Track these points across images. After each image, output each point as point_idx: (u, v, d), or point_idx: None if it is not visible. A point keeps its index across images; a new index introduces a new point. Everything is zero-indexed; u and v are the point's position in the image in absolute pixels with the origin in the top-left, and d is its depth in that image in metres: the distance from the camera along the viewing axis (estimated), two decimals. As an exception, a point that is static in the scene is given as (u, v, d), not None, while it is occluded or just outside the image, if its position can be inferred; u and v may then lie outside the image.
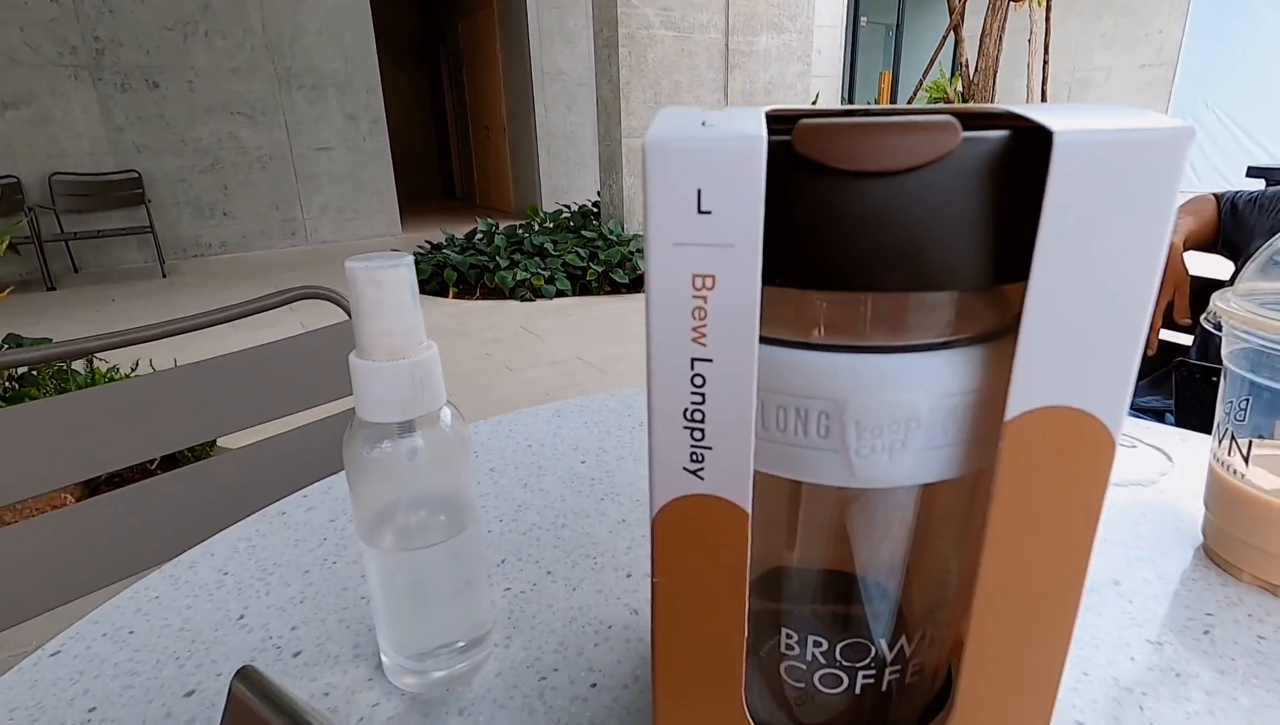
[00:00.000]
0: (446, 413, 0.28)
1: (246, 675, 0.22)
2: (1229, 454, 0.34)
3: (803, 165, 0.14)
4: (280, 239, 5.39)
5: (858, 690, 0.21)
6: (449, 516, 0.29)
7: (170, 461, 1.60)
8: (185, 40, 4.76)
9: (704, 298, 0.15)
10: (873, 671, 0.20)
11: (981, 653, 0.18)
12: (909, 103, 6.67)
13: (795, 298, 0.17)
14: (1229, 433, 0.35)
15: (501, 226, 4.29)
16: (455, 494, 0.29)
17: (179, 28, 4.72)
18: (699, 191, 0.14)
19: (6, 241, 2.23)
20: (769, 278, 0.15)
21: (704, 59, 3.99)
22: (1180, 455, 0.47)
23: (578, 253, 3.79)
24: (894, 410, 0.16)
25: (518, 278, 3.64)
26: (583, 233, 4.02)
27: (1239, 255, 1.16)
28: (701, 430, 0.17)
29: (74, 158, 4.52)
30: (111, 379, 2.03)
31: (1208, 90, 7.09)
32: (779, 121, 0.15)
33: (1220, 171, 6.92)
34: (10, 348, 2.21)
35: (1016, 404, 0.16)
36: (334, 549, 0.39)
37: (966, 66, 5.93)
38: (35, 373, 1.98)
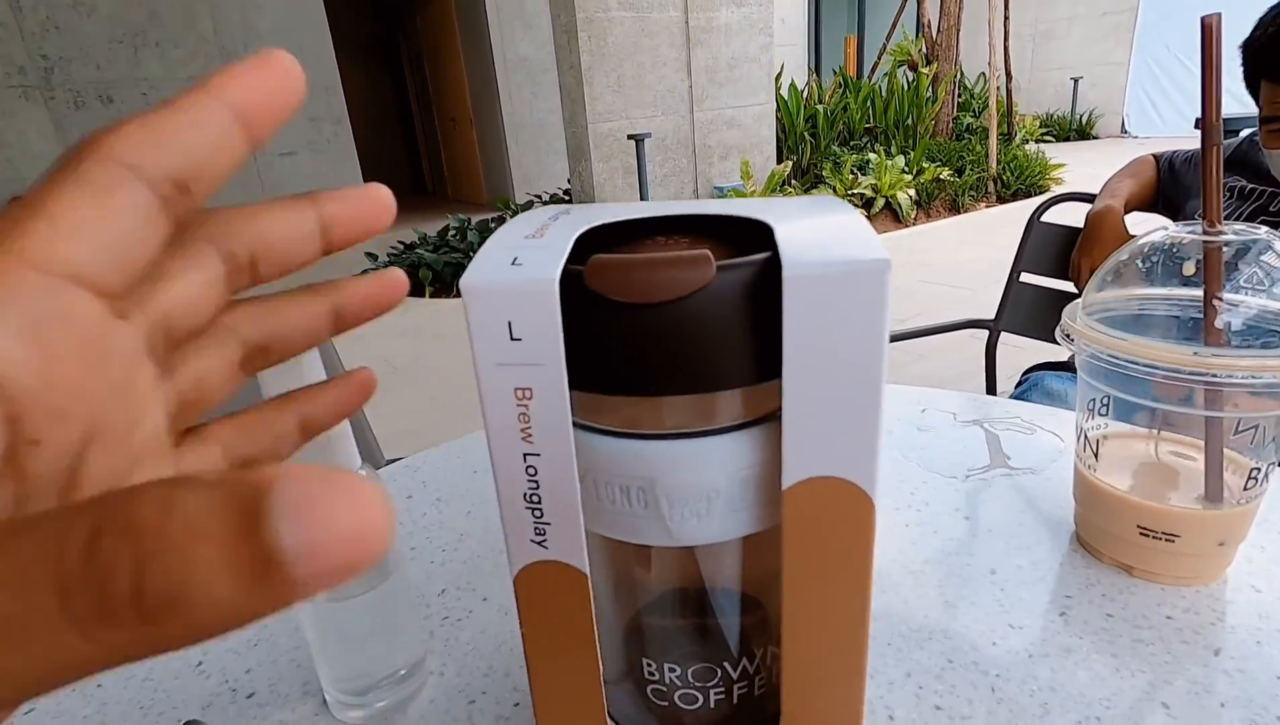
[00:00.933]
0: (361, 475, 0.31)
1: (189, 732, 0.25)
2: (1084, 451, 0.38)
3: (593, 298, 0.18)
4: (252, 247, 5.34)
5: (712, 705, 0.24)
6: (373, 566, 0.32)
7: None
8: (136, 52, 4.67)
9: (525, 406, 0.19)
10: (722, 689, 0.24)
11: (795, 677, 0.22)
12: (873, 67, 6.66)
13: (607, 398, 0.20)
14: (1083, 432, 0.38)
15: (474, 221, 4.28)
16: (378, 546, 0.32)
17: (128, 40, 4.63)
18: (509, 323, 0.18)
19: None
20: (576, 385, 0.18)
21: (665, 38, 3.97)
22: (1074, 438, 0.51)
23: (550, 243, 3.79)
24: (697, 485, 0.20)
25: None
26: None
27: (1178, 213, 1.20)
28: (540, 509, 0.20)
29: (32, 181, 4.44)
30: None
31: (1169, 35, 7.12)
32: (591, 240, 0.19)
33: (1184, 115, 6.98)
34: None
35: (789, 476, 0.19)
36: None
37: (929, 27, 5.92)
38: None
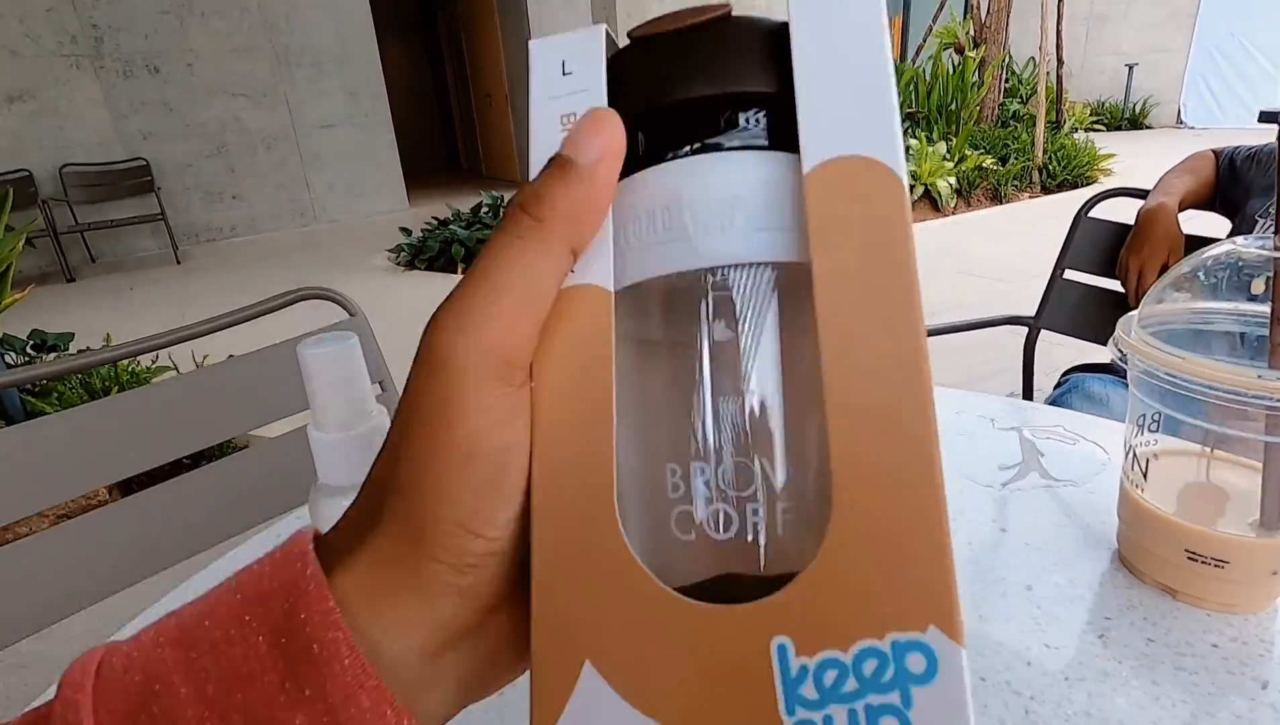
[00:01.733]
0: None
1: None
2: (1132, 469, 0.37)
3: (630, 44, 0.20)
4: (289, 220, 5.43)
5: (749, 532, 0.19)
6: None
7: (198, 457, 1.67)
8: (182, 23, 4.74)
9: (568, 128, 0.20)
10: (759, 507, 0.19)
11: (845, 437, 0.16)
12: (918, 50, 6.48)
13: (638, 139, 0.20)
14: (1132, 449, 0.37)
15: (506, 199, 4.29)
16: (413, 538, 0.32)
17: (175, 10, 4.69)
18: (562, 62, 0.20)
19: (23, 238, 2.29)
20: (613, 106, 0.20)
21: (703, 17, 3.90)
22: (1119, 450, 0.49)
23: (583, 223, 3.78)
24: (719, 192, 0.19)
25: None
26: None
27: (1236, 212, 1.15)
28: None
29: (83, 148, 4.56)
30: (134, 373, 2.11)
31: (1233, 20, 6.79)
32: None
33: (1247, 106, 6.67)
34: (34, 344, 2.29)
35: (810, 161, 0.18)
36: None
37: (978, 9, 5.73)
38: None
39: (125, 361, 2.22)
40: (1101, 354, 1.24)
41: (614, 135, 0.18)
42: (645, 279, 0.20)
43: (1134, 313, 0.37)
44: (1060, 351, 1.39)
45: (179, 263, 4.63)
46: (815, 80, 0.19)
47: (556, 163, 0.18)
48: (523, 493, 0.18)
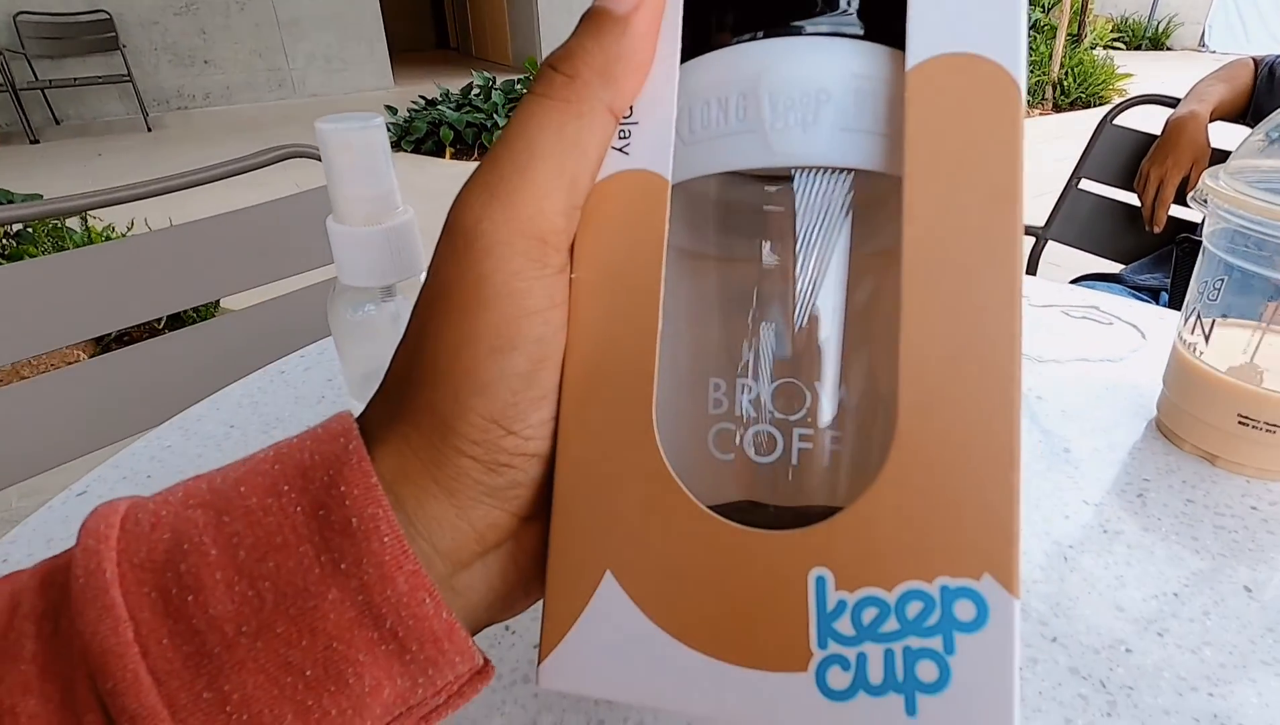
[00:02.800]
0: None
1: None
2: (1192, 333, 0.35)
3: None
4: (266, 91, 5.13)
5: (795, 457, 0.18)
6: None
7: (176, 321, 1.62)
8: None
9: None
10: (809, 430, 0.18)
11: (917, 357, 0.15)
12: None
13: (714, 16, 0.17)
14: (1196, 312, 0.35)
15: (498, 81, 4.06)
16: (439, 356, 0.30)
17: None
18: None
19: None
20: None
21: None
22: (1156, 333, 0.48)
23: (579, 112, 3.61)
24: (804, 83, 0.16)
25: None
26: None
27: (1267, 126, 1.10)
28: (630, 108, 0.17)
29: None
30: (108, 237, 2.02)
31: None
32: None
33: (1274, 35, 6.41)
34: (2, 204, 2.18)
35: (914, 55, 0.15)
36: (331, 407, 0.41)
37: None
38: (31, 231, 1.96)
39: (100, 228, 2.13)
40: (1110, 267, 1.22)
41: None
42: (709, 173, 0.17)
43: (1219, 166, 0.34)
44: (1058, 273, 1.37)
45: (150, 130, 4.39)
46: None
47: (589, 13, 0.16)
48: (559, 392, 0.16)
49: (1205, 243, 0.34)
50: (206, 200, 0.81)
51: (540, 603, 0.17)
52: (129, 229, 2.12)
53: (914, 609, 0.14)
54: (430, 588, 0.14)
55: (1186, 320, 0.36)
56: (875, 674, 0.14)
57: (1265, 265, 0.32)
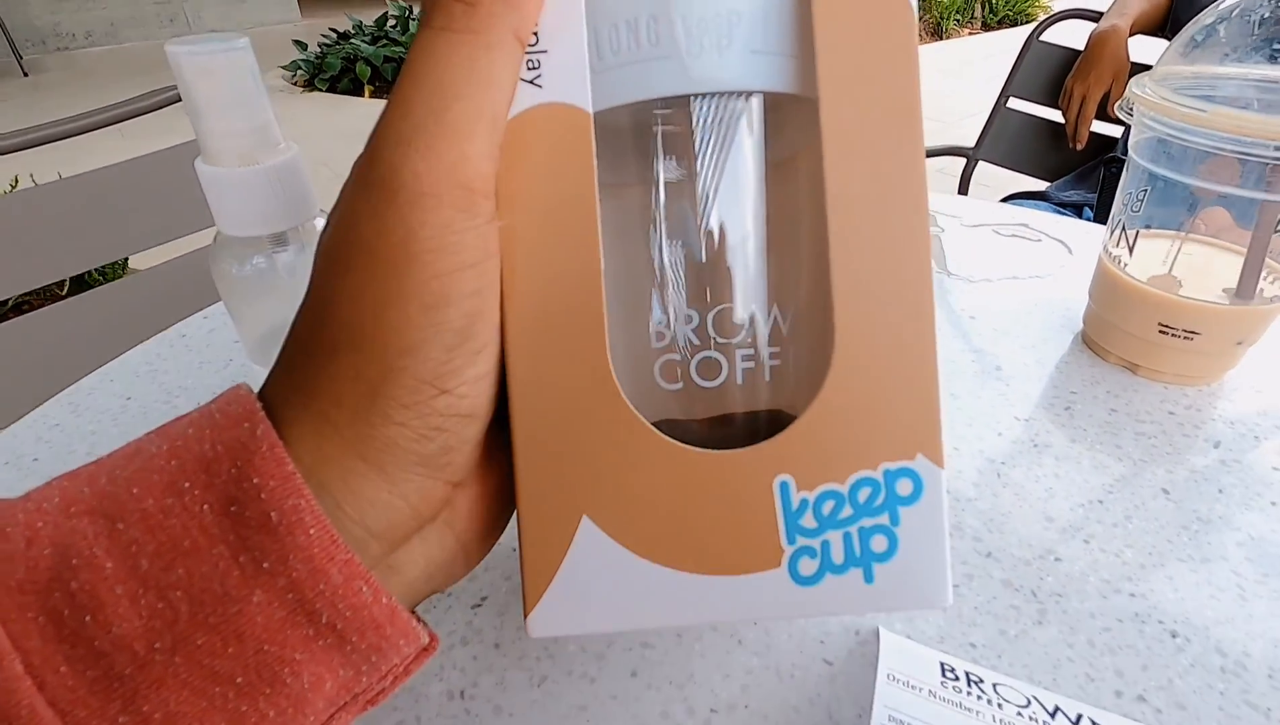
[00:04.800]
0: (322, 223, 0.26)
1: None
2: (1117, 245, 0.36)
3: None
4: (157, 28, 4.68)
5: (739, 379, 0.18)
6: None
7: (79, 285, 1.50)
8: None
9: None
10: (750, 351, 0.18)
11: (845, 262, 0.16)
12: None
13: None
14: (1121, 223, 0.36)
15: (416, 10, 3.80)
16: (345, 309, 0.28)
17: None
18: None
19: None
20: None
21: None
22: (1082, 248, 0.49)
23: (504, 43, 3.43)
24: (715, 3, 0.16)
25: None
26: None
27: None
28: (535, 34, 0.16)
29: None
30: (-12, 198, 1.84)
31: None
32: None
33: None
34: None
35: None
36: (240, 371, 0.38)
37: None
38: (-105, 193, 1.76)
39: (-24, 185, 1.93)
40: (1036, 185, 1.24)
41: None
42: (626, 102, 0.16)
43: (1146, 74, 0.34)
44: (987, 193, 1.39)
45: (25, 75, 3.97)
46: None
47: None
48: (496, 346, 0.15)
49: (1130, 153, 0.34)
50: (98, 151, 0.73)
51: (478, 564, 0.17)
52: (13, 186, 1.93)
53: (864, 494, 0.16)
54: (366, 575, 0.13)
55: (1112, 233, 0.36)
56: (837, 555, 0.16)
57: (1187, 173, 0.32)
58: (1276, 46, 0.31)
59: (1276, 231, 0.32)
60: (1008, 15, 4.92)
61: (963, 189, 1.30)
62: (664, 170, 0.18)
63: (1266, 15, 0.32)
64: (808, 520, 0.16)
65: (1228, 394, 0.35)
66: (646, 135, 0.18)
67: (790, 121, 0.18)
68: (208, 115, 0.22)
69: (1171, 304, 0.33)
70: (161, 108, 0.77)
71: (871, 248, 0.16)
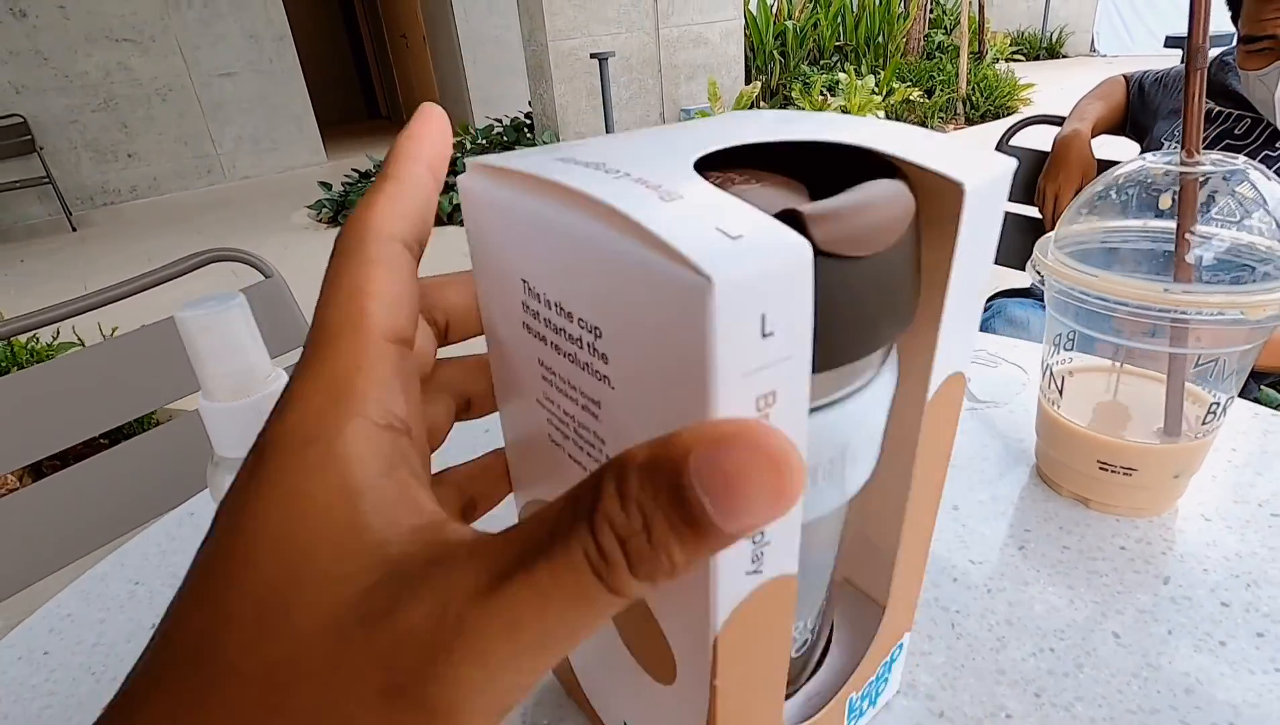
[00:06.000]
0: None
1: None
2: (1049, 387, 0.38)
3: (820, 256, 0.13)
4: (195, 178, 5.07)
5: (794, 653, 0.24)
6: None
7: (115, 436, 1.57)
8: (46, -39, 4.25)
9: (767, 414, 0.14)
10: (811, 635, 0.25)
11: (903, 569, 0.25)
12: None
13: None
14: (1049, 368, 0.38)
15: (430, 148, 4.10)
16: (329, 506, 0.31)
17: (36, -54, 4.20)
18: (763, 317, 0.13)
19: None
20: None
21: (626, -53, 3.74)
22: (1037, 370, 0.51)
23: (513, 171, 3.66)
24: (875, 429, 0.20)
25: (454, 202, 3.52)
26: (517, 149, 3.88)
27: (1144, 136, 1.19)
28: (762, 530, 0.14)
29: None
30: (34, 352, 1.95)
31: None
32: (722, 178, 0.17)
33: (1154, 34, 6.89)
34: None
35: (934, 383, 0.20)
36: (242, 547, 0.41)
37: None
38: (-53, 353, 1.88)
39: (24, 338, 2.06)
40: (1022, 279, 1.28)
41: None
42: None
43: (1050, 235, 0.37)
44: (984, 279, 1.43)
45: (74, 230, 4.29)
46: (956, 305, 0.18)
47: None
48: None
49: (1047, 307, 0.37)
50: (135, 301, 0.80)
51: None
52: (55, 338, 2.06)
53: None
54: None
55: (1044, 376, 0.39)
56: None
57: (1105, 330, 0.35)
58: (1161, 202, 0.34)
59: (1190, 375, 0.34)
60: (989, 110, 5.17)
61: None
62: None
63: (1148, 178, 0.35)
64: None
65: (1179, 523, 0.36)
66: None
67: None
68: (207, 362, 0.26)
69: (1105, 444, 0.35)
70: (187, 273, 0.84)
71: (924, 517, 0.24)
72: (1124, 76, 1.23)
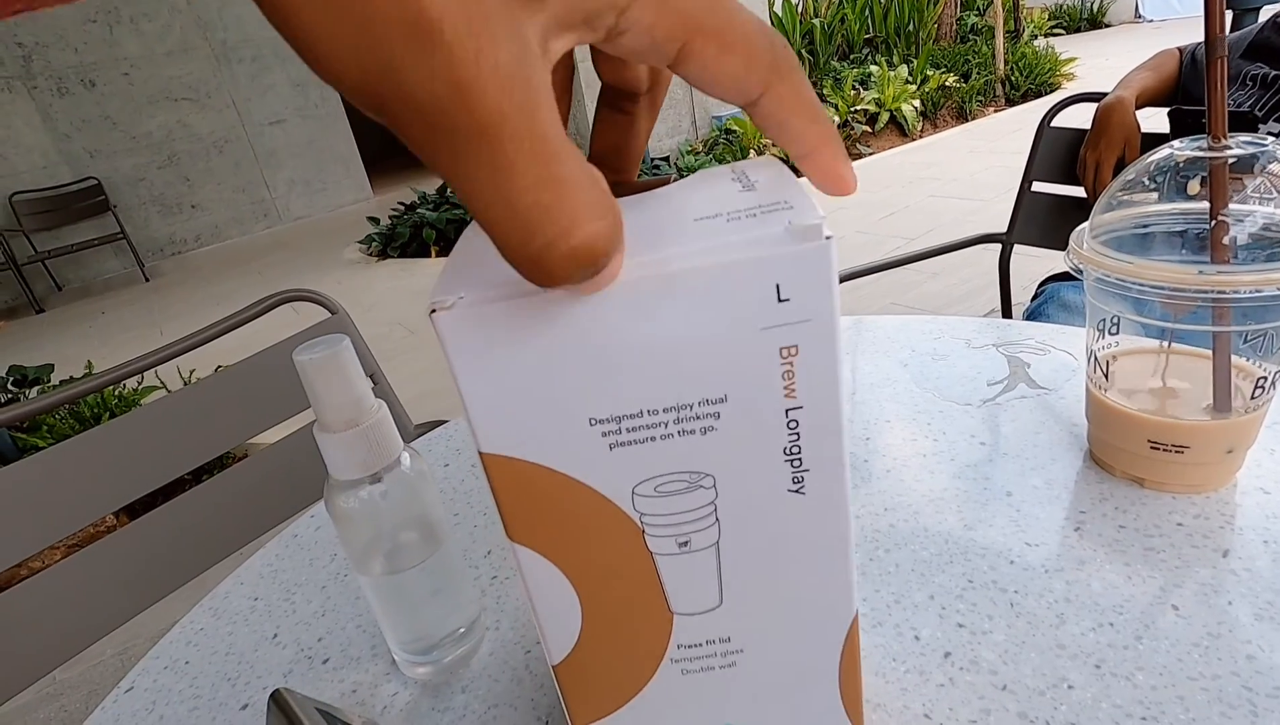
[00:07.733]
0: (405, 457, 0.33)
1: (276, 699, 0.28)
2: (1095, 372, 0.39)
3: None
4: (253, 222, 5.33)
5: None
6: (424, 538, 0.34)
7: (199, 473, 1.68)
8: (111, 31, 4.56)
9: (790, 362, 0.18)
10: None
11: None
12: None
13: None
14: (1093, 353, 0.39)
15: (471, 175, 4.21)
16: (425, 519, 0.34)
17: (101, 19, 4.52)
18: (776, 286, 0.17)
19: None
20: None
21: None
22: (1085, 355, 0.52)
23: (551, 191, 3.74)
24: None
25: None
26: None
27: (1200, 104, 1.16)
28: (800, 458, 0.19)
29: (29, 174, 4.43)
30: (121, 397, 2.10)
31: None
32: None
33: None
34: (14, 380, 2.26)
35: None
36: (344, 564, 0.45)
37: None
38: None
39: (111, 386, 2.21)
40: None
41: None
42: None
43: (1085, 225, 0.38)
44: (1035, 263, 1.41)
45: (147, 280, 4.56)
46: None
47: None
48: None
49: (1087, 295, 0.39)
50: (214, 346, 0.87)
51: None
52: (140, 383, 2.20)
53: None
54: None
55: (1089, 362, 0.40)
56: None
57: (1145, 313, 0.36)
58: (1189, 188, 0.35)
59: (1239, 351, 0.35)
60: (1030, 89, 5.03)
61: (1003, 272, 1.33)
62: None
63: (1178, 164, 0.36)
64: None
65: (1237, 499, 0.37)
66: None
67: None
68: (323, 398, 0.30)
69: (1155, 424, 0.36)
70: (272, 310, 0.90)
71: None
72: (1178, 49, 1.20)
